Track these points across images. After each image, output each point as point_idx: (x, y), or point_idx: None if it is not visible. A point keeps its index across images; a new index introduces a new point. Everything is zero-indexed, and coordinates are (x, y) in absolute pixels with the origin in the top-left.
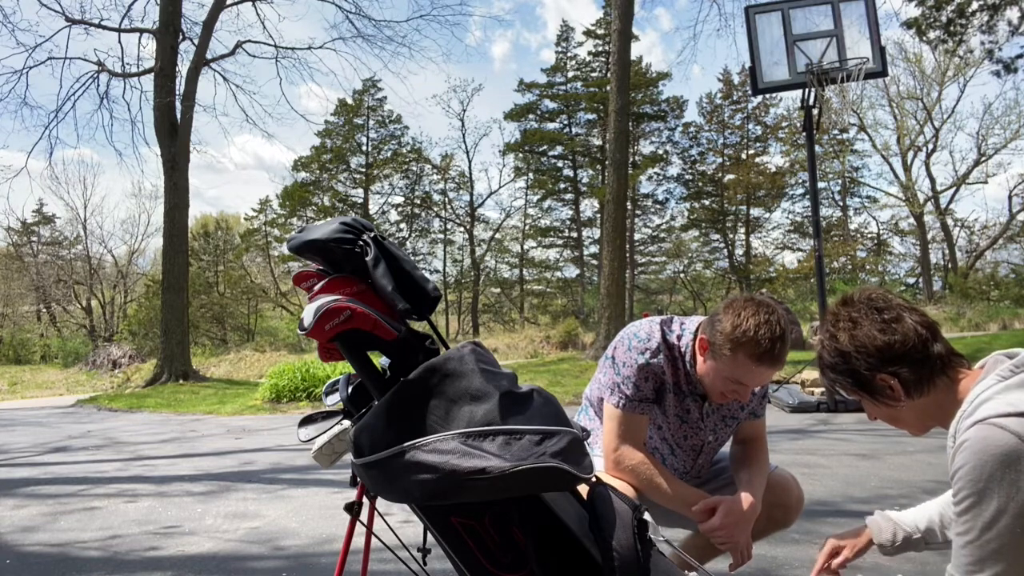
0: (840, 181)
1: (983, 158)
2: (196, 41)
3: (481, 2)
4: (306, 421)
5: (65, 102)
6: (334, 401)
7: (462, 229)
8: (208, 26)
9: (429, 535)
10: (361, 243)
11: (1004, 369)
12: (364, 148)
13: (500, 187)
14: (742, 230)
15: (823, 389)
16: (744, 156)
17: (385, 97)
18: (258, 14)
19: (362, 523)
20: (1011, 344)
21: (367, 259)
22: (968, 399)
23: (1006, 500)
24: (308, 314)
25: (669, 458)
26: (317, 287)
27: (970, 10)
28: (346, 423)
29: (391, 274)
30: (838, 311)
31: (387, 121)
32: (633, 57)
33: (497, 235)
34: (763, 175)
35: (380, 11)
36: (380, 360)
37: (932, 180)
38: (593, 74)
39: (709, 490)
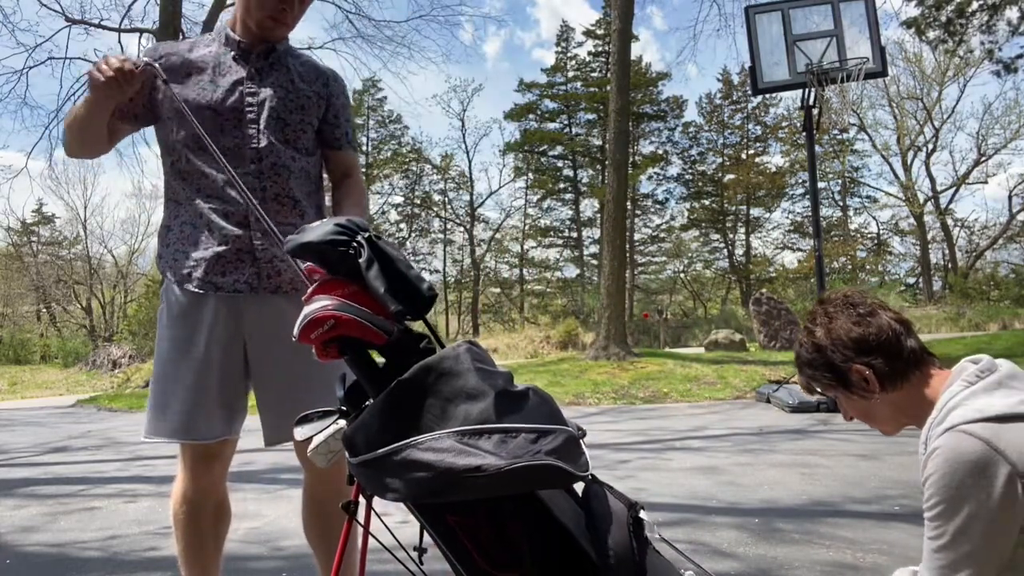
0: (840, 181)
1: (983, 158)
2: None
3: (474, 1)
4: (302, 420)
5: (65, 102)
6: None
7: (462, 229)
8: (208, 26)
9: (425, 534)
10: (355, 244)
11: (969, 375)
12: (364, 148)
13: (500, 187)
14: (742, 230)
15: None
16: (744, 156)
17: (385, 97)
18: None
19: (359, 523)
20: (1011, 344)
21: (360, 261)
22: (938, 405)
23: (977, 506)
24: (296, 323)
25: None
26: (310, 290)
27: (970, 10)
28: (342, 422)
29: (384, 275)
30: (815, 309)
31: (387, 121)
32: (633, 57)
33: (497, 235)
34: (763, 175)
35: (380, 11)
36: (377, 359)
37: (932, 180)
38: (593, 74)
39: None
